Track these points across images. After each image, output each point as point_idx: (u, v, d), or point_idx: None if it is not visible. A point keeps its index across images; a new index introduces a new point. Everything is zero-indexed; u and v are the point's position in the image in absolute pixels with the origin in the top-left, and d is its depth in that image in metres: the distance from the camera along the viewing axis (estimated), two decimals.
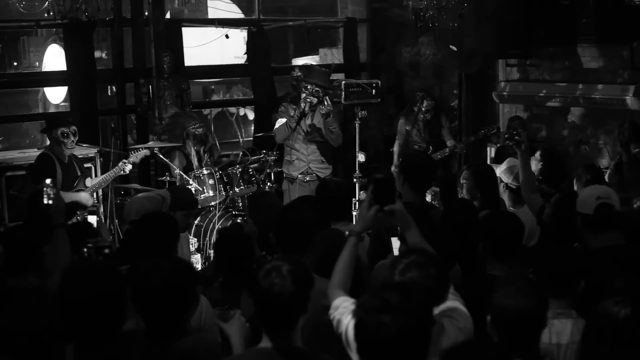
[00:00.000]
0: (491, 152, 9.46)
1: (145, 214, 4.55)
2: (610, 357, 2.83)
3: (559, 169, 6.67)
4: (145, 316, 3.11)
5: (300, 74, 9.08)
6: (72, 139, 7.01)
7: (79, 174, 7.16)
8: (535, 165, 6.70)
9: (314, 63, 12.10)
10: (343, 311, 3.24)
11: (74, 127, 7.07)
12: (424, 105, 9.07)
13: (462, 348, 2.55)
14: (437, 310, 3.27)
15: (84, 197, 7.01)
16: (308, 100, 7.64)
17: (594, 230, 4.27)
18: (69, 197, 6.82)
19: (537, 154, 6.82)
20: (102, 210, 7.96)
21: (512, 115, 9.62)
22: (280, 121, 7.87)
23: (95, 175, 7.89)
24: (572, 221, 4.40)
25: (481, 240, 4.15)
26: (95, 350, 2.92)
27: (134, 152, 7.66)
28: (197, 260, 7.36)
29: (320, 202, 5.21)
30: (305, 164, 7.85)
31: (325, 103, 7.55)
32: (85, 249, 3.81)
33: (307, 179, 7.77)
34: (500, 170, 5.86)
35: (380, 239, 4.66)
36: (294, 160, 7.90)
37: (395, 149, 9.30)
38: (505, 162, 5.95)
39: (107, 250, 3.72)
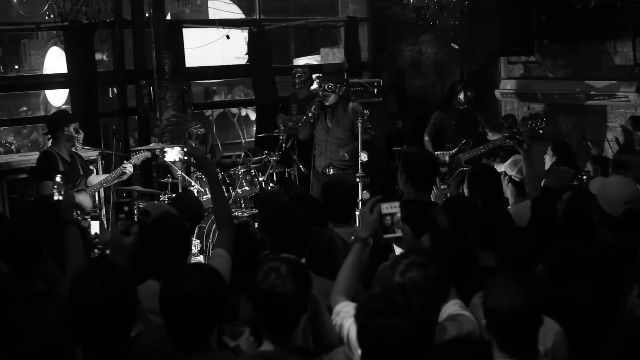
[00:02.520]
0: None
1: (159, 215, 4.38)
2: None
3: (571, 161, 6.69)
4: (168, 325, 3.03)
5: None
6: (82, 134, 7.08)
7: (81, 172, 7.15)
8: (549, 160, 6.70)
9: (316, 63, 12.10)
10: (344, 316, 3.22)
11: (77, 123, 7.15)
12: (462, 96, 8.72)
13: (448, 344, 2.53)
14: (442, 317, 3.26)
15: (83, 199, 6.99)
16: (318, 100, 7.83)
17: (614, 231, 4.27)
18: None
19: (549, 149, 6.81)
20: (104, 212, 7.93)
21: (524, 115, 9.60)
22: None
23: None
24: (584, 219, 4.39)
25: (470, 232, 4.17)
26: (104, 354, 2.87)
27: (135, 154, 7.64)
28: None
29: (324, 203, 5.17)
30: (327, 157, 7.97)
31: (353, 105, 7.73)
32: (96, 250, 3.78)
33: (332, 171, 7.91)
34: (505, 165, 5.87)
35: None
36: (319, 154, 8.08)
37: (426, 139, 8.85)
38: (511, 157, 5.94)
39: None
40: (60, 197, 4.21)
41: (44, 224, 4.38)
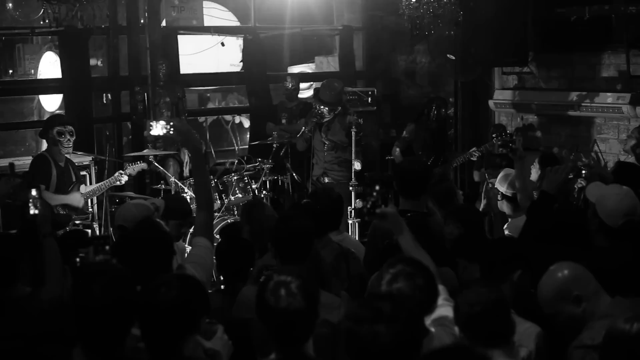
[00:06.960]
0: None
1: (138, 224, 4.38)
2: None
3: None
4: (143, 332, 3.00)
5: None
6: (68, 137, 6.96)
7: (74, 179, 7.12)
8: (535, 172, 6.70)
9: (310, 71, 12.11)
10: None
11: (70, 127, 7.04)
12: (436, 113, 8.71)
13: (442, 351, 2.53)
14: (429, 319, 3.25)
15: (75, 198, 6.96)
16: (314, 119, 7.92)
17: (611, 240, 4.28)
18: (60, 199, 6.81)
19: (536, 162, 6.81)
20: (96, 217, 7.91)
21: (518, 126, 9.62)
22: (302, 127, 8.16)
23: (90, 183, 7.84)
24: (574, 229, 4.39)
25: None
26: (105, 354, 2.87)
27: (131, 164, 7.60)
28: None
29: (313, 212, 5.17)
30: (322, 167, 8.04)
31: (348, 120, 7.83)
32: (77, 259, 3.78)
33: (327, 180, 7.96)
34: (496, 183, 5.88)
35: (376, 248, 4.63)
36: (316, 162, 8.16)
37: (397, 152, 9.03)
38: (501, 172, 5.95)
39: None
40: (37, 211, 4.21)
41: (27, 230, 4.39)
